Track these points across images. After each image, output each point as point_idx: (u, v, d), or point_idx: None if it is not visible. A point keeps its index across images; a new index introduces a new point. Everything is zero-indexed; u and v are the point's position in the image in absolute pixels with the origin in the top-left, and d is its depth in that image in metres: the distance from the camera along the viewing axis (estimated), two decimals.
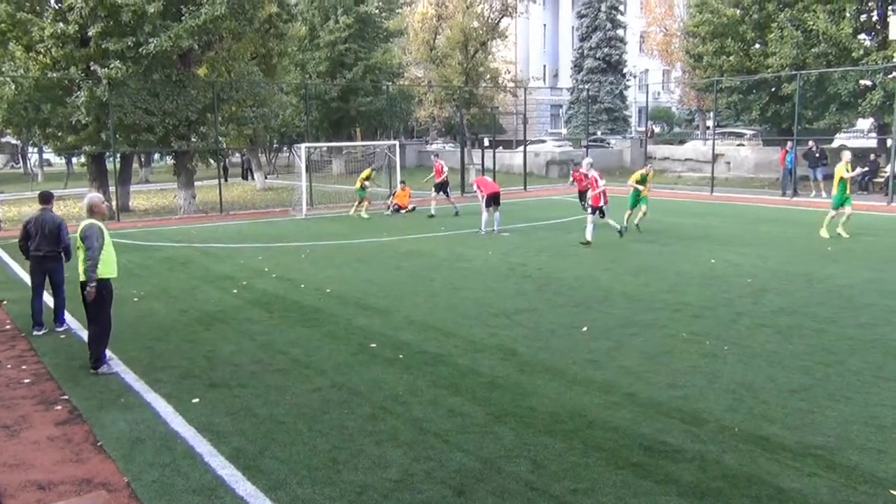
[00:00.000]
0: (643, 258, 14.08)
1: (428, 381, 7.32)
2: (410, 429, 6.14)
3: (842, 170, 16.05)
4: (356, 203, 22.29)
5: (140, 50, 20.81)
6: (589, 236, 15.64)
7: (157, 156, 51.65)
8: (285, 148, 46.76)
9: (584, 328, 9.10)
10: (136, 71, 21.44)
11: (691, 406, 6.50)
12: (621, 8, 55.15)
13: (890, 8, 26.22)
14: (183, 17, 21.29)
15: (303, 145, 24.87)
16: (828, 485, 5.03)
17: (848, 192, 16.14)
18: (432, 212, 21.82)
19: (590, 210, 16.05)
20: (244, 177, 41.23)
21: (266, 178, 37.14)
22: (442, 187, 22.32)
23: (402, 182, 23.91)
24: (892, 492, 4.91)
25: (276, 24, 25.37)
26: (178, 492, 5.15)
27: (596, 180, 16.08)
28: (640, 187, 17.39)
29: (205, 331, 9.42)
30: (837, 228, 16.20)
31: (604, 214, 16.13)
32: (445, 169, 22.75)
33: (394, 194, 23.65)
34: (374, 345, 8.59)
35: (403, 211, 22.95)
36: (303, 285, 12.11)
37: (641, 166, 18.78)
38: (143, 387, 7.29)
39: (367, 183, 22.06)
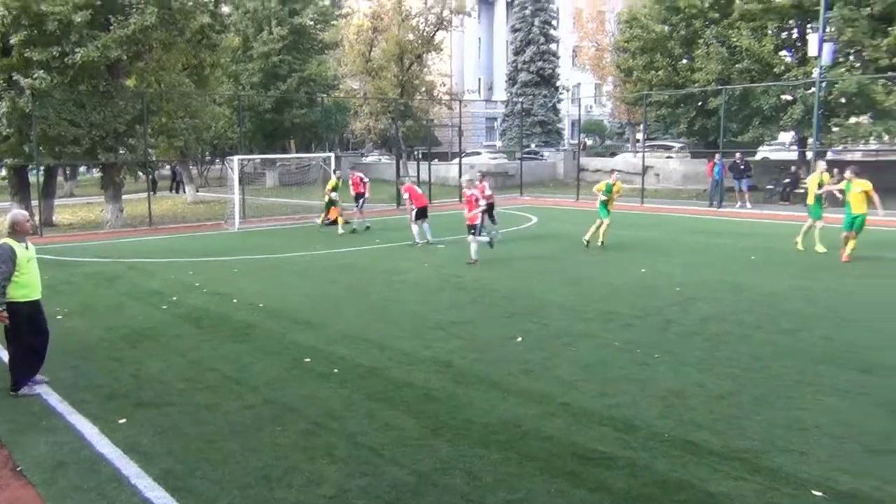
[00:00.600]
0: (576, 269, 14.28)
1: (363, 394, 7.26)
2: (345, 444, 6.07)
3: (819, 178, 15.76)
4: (338, 218, 21.35)
5: (66, 60, 20.21)
6: (474, 255, 15.05)
7: (83, 168, 50.09)
8: (218, 160, 45.96)
9: (519, 339, 9.17)
10: (62, 81, 20.79)
11: (623, 414, 6.60)
12: (554, 23, 56.15)
13: (809, 26, 27.35)
14: (111, 27, 20.76)
15: (235, 157, 24.50)
16: (753, 488, 5.17)
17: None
18: (367, 224, 21.72)
19: (472, 230, 15.18)
20: (173, 189, 40.20)
21: (197, 191, 36.43)
22: (356, 198, 22.34)
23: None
24: (813, 492, 5.07)
25: (208, 34, 24.90)
26: None
27: (476, 198, 15.25)
28: (604, 197, 16.55)
29: (132, 349, 9.15)
30: (797, 238, 16.05)
31: (478, 232, 15.23)
32: (366, 180, 22.52)
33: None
34: (308, 359, 8.48)
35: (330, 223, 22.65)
36: (235, 300, 11.89)
37: (608, 174, 17.61)
38: (67, 408, 7.03)
39: (334, 195, 21.54)
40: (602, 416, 6.57)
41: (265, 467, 5.65)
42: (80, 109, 21.70)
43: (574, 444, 5.98)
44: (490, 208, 18.60)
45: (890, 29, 23.71)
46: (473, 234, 15.19)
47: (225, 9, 30.81)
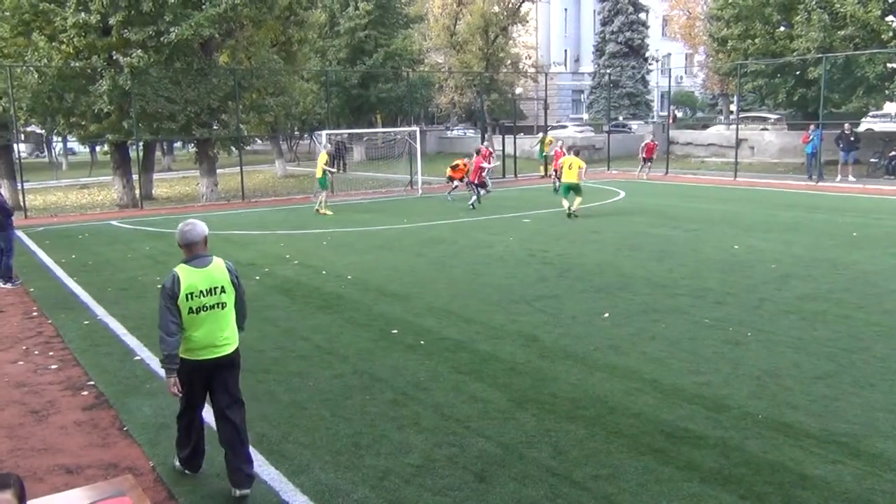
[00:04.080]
0: (665, 244, 13.97)
1: (449, 367, 7.33)
2: (432, 414, 6.16)
3: None
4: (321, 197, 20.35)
5: (161, 39, 20.90)
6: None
7: (179, 144, 51.93)
8: (306, 135, 46.79)
9: (606, 314, 9.06)
10: (158, 59, 21.54)
11: (714, 392, 6.46)
12: None
13: None
14: (203, 6, 21.34)
15: (324, 132, 24.91)
16: (852, 472, 4.98)
17: None
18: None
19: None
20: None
21: (287, 165, 37.20)
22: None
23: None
24: None
25: (296, 11, 25.37)
26: (203, 476, 5.22)
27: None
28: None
29: None
30: None
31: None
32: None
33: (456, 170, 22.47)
34: (395, 331, 8.61)
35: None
36: (324, 272, 12.16)
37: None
38: None
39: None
40: (692, 394, 6.44)
41: (355, 434, 5.79)
42: (175, 86, 22.47)
43: (663, 421, 5.89)
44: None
45: None
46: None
47: None
